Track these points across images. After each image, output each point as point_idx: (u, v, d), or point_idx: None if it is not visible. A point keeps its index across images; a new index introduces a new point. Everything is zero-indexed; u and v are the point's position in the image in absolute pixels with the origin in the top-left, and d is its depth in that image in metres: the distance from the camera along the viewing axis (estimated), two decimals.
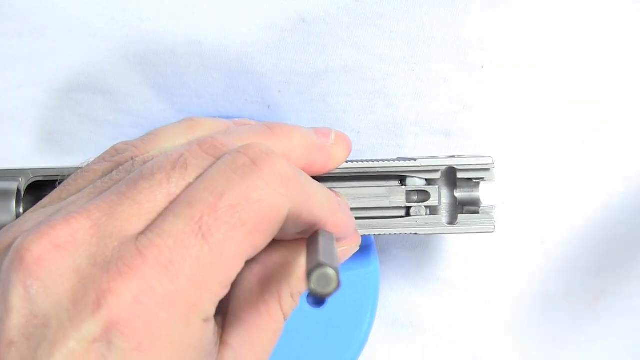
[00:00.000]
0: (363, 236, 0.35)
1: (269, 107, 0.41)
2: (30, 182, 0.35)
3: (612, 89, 0.42)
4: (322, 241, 0.26)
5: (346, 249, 0.33)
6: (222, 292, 0.26)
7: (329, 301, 0.39)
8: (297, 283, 0.30)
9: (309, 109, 0.41)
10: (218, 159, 0.27)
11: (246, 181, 0.26)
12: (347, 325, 0.39)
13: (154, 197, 0.26)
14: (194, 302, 0.25)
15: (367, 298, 0.39)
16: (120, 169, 0.29)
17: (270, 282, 0.30)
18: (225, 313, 0.29)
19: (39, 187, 0.35)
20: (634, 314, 0.43)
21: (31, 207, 0.30)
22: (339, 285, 0.22)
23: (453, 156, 0.36)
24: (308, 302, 0.39)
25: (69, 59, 0.41)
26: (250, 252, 0.26)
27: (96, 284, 0.24)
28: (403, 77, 0.41)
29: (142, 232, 0.25)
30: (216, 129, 0.33)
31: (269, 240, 0.26)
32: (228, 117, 0.41)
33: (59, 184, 0.30)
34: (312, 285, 0.22)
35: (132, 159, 0.30)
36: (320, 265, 0.23)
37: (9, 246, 0.26)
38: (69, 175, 0.30)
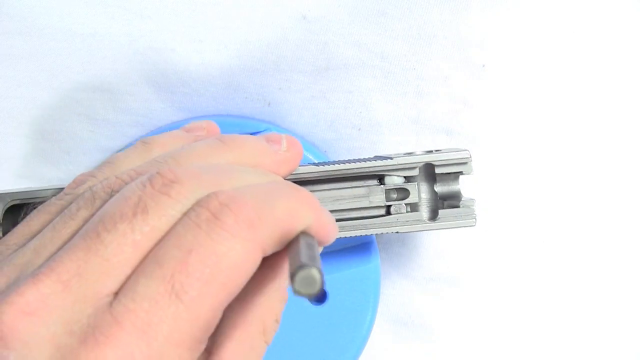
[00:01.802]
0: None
1: (269, 104, 0.41)
2: (8, 206, 0.35)
3: (612, 89, 0.42)
4: (303, 243, 0.26)
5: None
6: (201, 347, 0.26)
7: (330, 298, 0.38)
8: (280, 304, 0.29)
9: (310, 106, 0.41)
10: (179, 201, 0.27)
11: (212, 235, 0.25)
12: (349, 323, 0.38)
13: (121, 250, 0.26)
14: None
15: (368, 296, 0.39)
16: (78, 200, 0.29)
17: (251, 314, 0.29)
18: (209, 352, 0.28)
19: (18, 208, 0.36)
20: (634, 312, 0.43)
21: (11, 229, 0.30)
22: (322, 285, 0.22)
23: (430, 151, 0.36)
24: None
25: (68, 58, 0.40)
26: (226, 301, 0.26)
27: (74, 355, 0.24)
28: (404, 75, 0.41)
29: (116, 296, 0.25)
30: (171, 147, 0.33)
31: (244, 283, 0.26)
32: (228, 116, 0.41)
33: (33, 209, 0.30)
34: (296, 287, 0.22)
35: (90, 188, 0.29)
36: (303, 265, 0.23)
37: None
38: (42, 201, 0.30)
